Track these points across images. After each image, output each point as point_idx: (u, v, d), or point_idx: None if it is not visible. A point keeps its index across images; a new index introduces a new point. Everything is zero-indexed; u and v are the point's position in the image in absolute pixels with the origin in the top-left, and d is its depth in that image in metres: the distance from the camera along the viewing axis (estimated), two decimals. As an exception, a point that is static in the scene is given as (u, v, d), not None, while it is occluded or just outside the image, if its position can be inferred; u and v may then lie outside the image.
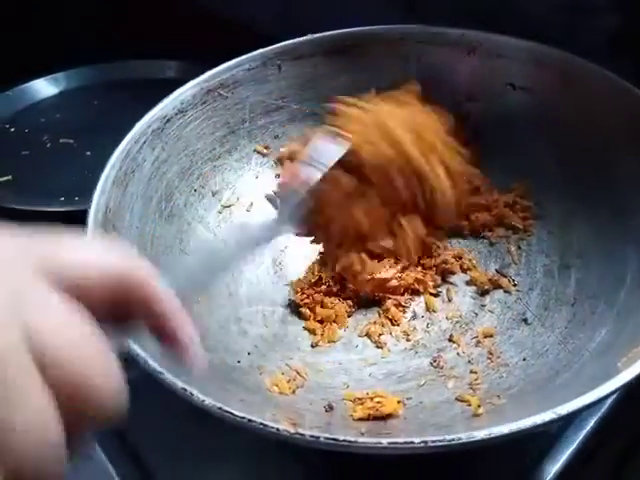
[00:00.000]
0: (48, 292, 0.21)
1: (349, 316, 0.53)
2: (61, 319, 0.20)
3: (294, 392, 0.46)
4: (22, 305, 0.19)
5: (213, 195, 0.59)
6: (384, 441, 0.34)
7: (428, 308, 0.54)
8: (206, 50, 0.71)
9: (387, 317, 0.52)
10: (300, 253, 0.58)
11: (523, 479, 0.46)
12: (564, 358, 0.46)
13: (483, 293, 0.54)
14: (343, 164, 0.49)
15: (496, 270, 0.55)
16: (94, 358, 0.21)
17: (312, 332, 0.52)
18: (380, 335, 0.51)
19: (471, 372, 0.48)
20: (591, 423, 0.47)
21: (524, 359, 0.47)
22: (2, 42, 0.89)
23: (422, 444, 0.34)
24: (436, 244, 0.55)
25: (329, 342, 0.51)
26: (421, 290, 0.54)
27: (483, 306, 0.53)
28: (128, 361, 0.38)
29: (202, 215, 0.57)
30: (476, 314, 0.53)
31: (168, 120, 0.56)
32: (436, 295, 0.54)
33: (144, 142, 0.54)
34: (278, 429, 0.34)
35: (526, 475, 0.46)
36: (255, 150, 0.62)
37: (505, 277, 0.55)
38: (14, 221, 0.64)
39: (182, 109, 0.57)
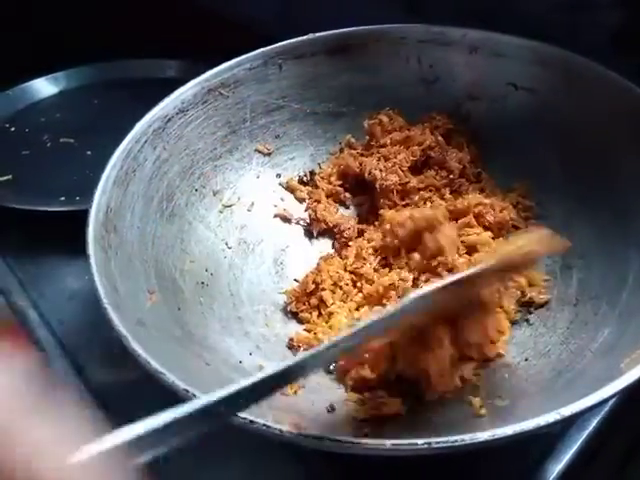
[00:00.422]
0: None
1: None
2: None
3: (296, 393, 0.46)
4: None
5: (214, 195, 0.59)
6: (387, 442, 0.34)
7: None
8: (207, 49, 0.71)
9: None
10: (301, 253, 0.58)
11: (526, 479, 0.46)
12: (566, 359, 0.45)
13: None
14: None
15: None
16: None
17: (313, 332, 0.52)
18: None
19: (473, 373, 0.47)
20: (594, 423, 0.47)
21: (526, 359, 0.47)
22: (2, 42, 0.89)
23: (426, 445, 0.33)
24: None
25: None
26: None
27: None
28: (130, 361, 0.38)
29: (203, 215, 0.57)
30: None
31: (169, 119, 0.56)
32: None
33: (145, 142, 0.54)
34: (281, 430, 0.34)
35: (529, 475, 0.46)
36: (256, 150, 0.62)
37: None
38: (14, 221, 0.65)
39: (183, 108, 0.57)
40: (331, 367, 0.49)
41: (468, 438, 0.34)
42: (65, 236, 0.50)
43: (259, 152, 0.62)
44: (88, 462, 0.22)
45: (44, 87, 0.90)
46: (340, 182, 0.62)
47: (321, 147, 0.64)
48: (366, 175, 0.59)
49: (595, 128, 0.54)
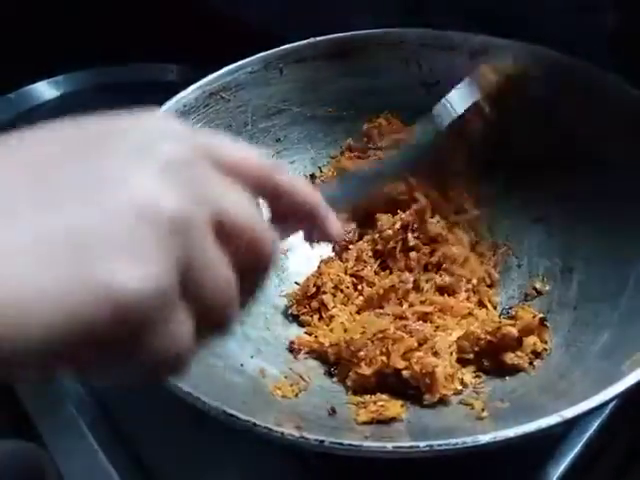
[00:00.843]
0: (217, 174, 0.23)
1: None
2: (235, 193, 0.23)
3: (297, 396, 0.46)
4: (201, 182, 0.22)
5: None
6: (389, 445, 0.34)
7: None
8: (208, 53, 0.71)
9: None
10: (302, 256, 0.58)
11: (526, 482, 0.46)
12: (568, 361, 0.46)
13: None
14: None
15: (498, 273, 0.55)
16: (261, 222, 0.24)
17: (314, 335, 0.52)
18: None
19: (475, 375, 0.47)
20: (595, 426, 0.47)
21: (528, 362, 0.47)
22: (3, 45, 0.89)
23: (427, 448, 0.34)
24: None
25: (332, 345, 0.51)
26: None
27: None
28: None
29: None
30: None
31: (170, 123, 0.56)
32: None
33: (147, 145, 0.54)
34: (283, 433, 0.35)
35: (529, 478, 0.46)
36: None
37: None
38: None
39: (184, 112, 0.57)
40: (332, 370, 0.49)
41: (470, 440, 0.34)
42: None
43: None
44: None
45: (45, 91, 0.90)
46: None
47: (322, 151, 0.64)
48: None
49: (594, 130, 0.54)
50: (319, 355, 0.50)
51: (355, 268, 0.56)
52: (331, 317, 0.52)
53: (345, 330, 0.50)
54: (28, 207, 0.19)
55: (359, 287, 0.55)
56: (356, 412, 0.44)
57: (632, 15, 0.57)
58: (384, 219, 0.56)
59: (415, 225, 0.54)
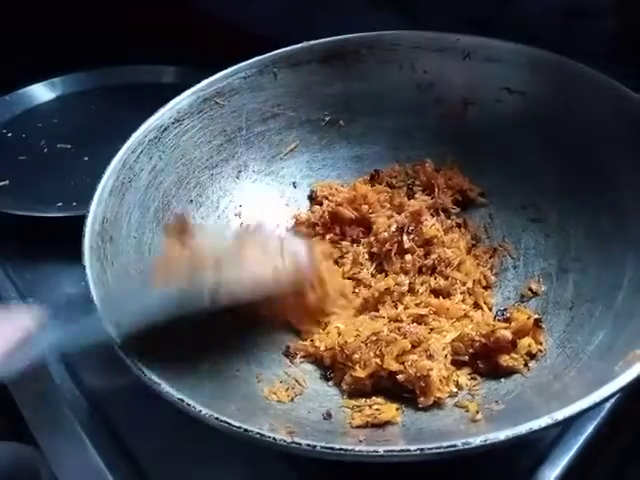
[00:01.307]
0: None
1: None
2: None
3: (292, 400, 0.46)
4: None
5: (211, 204, 0.59)
6: (380, 449, 0.34)
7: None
8: (204, 55, 0.71)
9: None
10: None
11: (522, 484, 0.46)
12: (562, 362, 0.46)
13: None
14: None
15: (494, 275, 0.55)
16: None
17: (310, 340, 0.52)
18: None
19: (470, 377, 0.48)
20: (590, 428, 0.47)
21: (523, 363, 0.47)
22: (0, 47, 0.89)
23: (418, 451, 0.34)
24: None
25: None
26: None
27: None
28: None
29: (200, 224, 0.57)
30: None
31: (165, 129, 0.56)
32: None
33: (141, 152, 0.54)
34: (275, 438, 0.35)
35: (525, 480, 0.46)
36: (252, 158, 0.62)
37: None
38: (11, 226, 0.65)
39: (178, 118, 0.57)
40: (328, 374, 0.49)
41: (460, 444, 0.34)
42: (62, 242, 0.51)
43: (255, 160, 0.62)
44: None
45: (41, 93, 0.90)
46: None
47: (317, 154, 0.64)
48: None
49: (590, 132, 0.54)
50: (315, 359, 0.51)
51: (352, 271, 0.56)
52: (327, 322, 0.52)
53: (339, 334, 0.50)
54: None
55: (356, 290, 0.55)
56: (351, 416, 0.44)
57: (630, 19, 0.57)
58: (380, 221, 0.56)
59: (411, 228, 0.54)
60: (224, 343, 0.48)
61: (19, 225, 0.66)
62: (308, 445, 0.34)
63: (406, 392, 0.46)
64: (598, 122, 0.53)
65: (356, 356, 0.47)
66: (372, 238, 0.55)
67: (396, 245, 0.54)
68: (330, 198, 0.61)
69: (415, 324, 0.50)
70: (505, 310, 0.50)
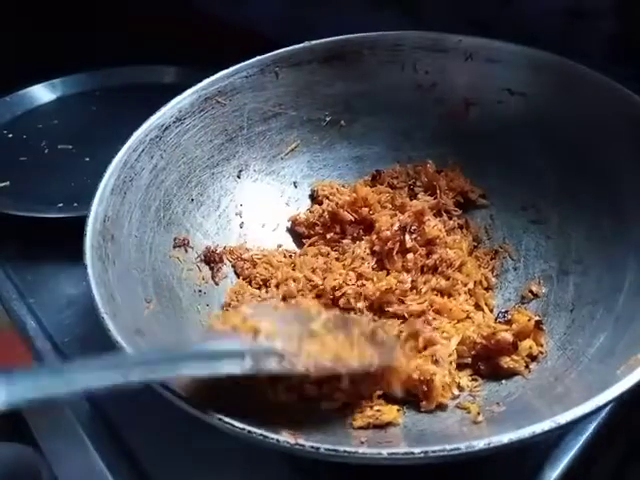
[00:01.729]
0: None
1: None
2: None
3: (293, 400, 0.46)
4: None
5: (211, 202, 0.59)
6: (384, 452, 0.34)
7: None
8: (204, 55, 0.71)
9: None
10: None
11: (523, 485, 0.46)
12: (563, 365, 0.46)
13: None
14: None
15: (495, 276, 0.55)
16: None
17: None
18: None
19: (471, 379, 0.47)
20: (590, 430, 0.47)
21: (524, 366, 0.47)
22: (0, 48, 0.89)
23: (422, 454, 0.34)
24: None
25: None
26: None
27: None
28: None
29: (201, 223, 0.57)
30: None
31: (166, 128, 0.56)
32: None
33: (142, 151, 0.54)
34: (278, 440, 0.35)
35: (526, 481, 0.46)
36: (253, 157, 0.62)
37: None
38: (12, 227, 0.65)
39: (180, 117, 0.57)
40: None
41: (464, 447, 0.34)
42: (63, 243, 0.51)
43: (256, 159, 0.62)
44: None
45: (42, 94, 0.90)
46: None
47: (318, 154, 0.64)
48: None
49: (591, 133, 0.54)
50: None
51: (353, 265, 0.55)
52: None
53: None
54: None
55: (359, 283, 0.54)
56: (353, 417, 0.44)
57: (631, 21, 0.57)
58: (383, 220, 0.56)
59: (413, 227, 0.54)
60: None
61: (20, 226, 0.66)
62: (312, 447, 0.34)
63: (408, 395, 0.46)
64: (599, 124, 0.53)
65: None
66: (374, 236, 0.55)
67: (398, 244, 0.54)
68: (331, 197, 0.61)
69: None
70: (506, 312, 0.49)
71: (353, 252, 0.56)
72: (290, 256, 0.59)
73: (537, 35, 0.58)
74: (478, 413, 0.43)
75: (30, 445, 0.50)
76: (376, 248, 0.55)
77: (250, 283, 0.56)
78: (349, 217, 0.58)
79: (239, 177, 0.61)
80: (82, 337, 0.58)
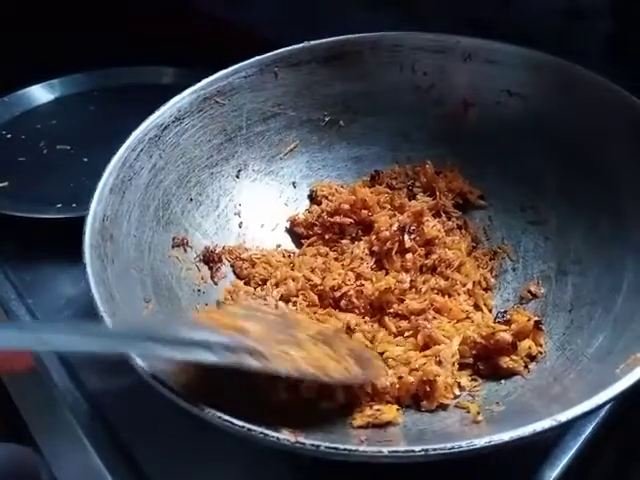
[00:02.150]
0: None
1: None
2: None
3: (293, 398, 0.46)
4: None
5: (210, 202, 0.59)
6: (385, 450, 0.34)
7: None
8: (204, 56, 0.71)
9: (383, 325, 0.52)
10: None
11: (522, 484, 0.46)
12: (562, 364, 0.46)
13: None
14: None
15: (494, 277, 0.55)
16: None
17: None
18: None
19: (471, 379, 0.47)
20: (589, 429, 0.47)
21: (523, 365, 0.47)
22: (-1, 48, 0.89)
23: (422, 452, 0.34)
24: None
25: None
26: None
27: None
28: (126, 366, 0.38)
29: (199, 222, 0.57)
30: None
31: (165, 128, 0.56)
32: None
33: (141, 150, 0.54)
34: (279, 438, 0.35)
35: (525, 480, 0.46)
36: (252, 157, 0.62)
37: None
38: (10, 228, 0.65)
39: (179, 117, 0.57)
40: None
41: (465, 445, 0.34)
42: (61, 243, 0.51)
43: (255, 159, 0.62)
44: None
45: (40, 94, 0.90)
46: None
47: (317, 154, 0.64)
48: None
49: (589, 134, 0.54)
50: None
51: (352, 265, 0.55)
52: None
53: None
54: None
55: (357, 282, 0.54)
56: (353, 416, 0.44)
57: (628, 21, 0.58)
58: (382, 220, 0.56)
59: (412, 227, 0.54)
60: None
61: (18, 226, 0.66)
62: (312, 445, 0.34)
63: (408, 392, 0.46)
64: (597, 125, 0.54)
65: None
66: (373, 237, 0.55)
67: (397, 244, 0.54)
68: (330, 198, 0.61)
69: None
70: (505, 312, 0.50)
71: (352, 252, 0.56)
72: (289, 256, 0.59)
73: (535, 35, 0.58)
74: (478, 412, 0.43)
75: (29, 446, 0.50)
76: (375, 248, 0.55)
77: (249, 283, 0.56)
78: (348, 221, 0.58)
79: (238, 177, 0.61)
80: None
